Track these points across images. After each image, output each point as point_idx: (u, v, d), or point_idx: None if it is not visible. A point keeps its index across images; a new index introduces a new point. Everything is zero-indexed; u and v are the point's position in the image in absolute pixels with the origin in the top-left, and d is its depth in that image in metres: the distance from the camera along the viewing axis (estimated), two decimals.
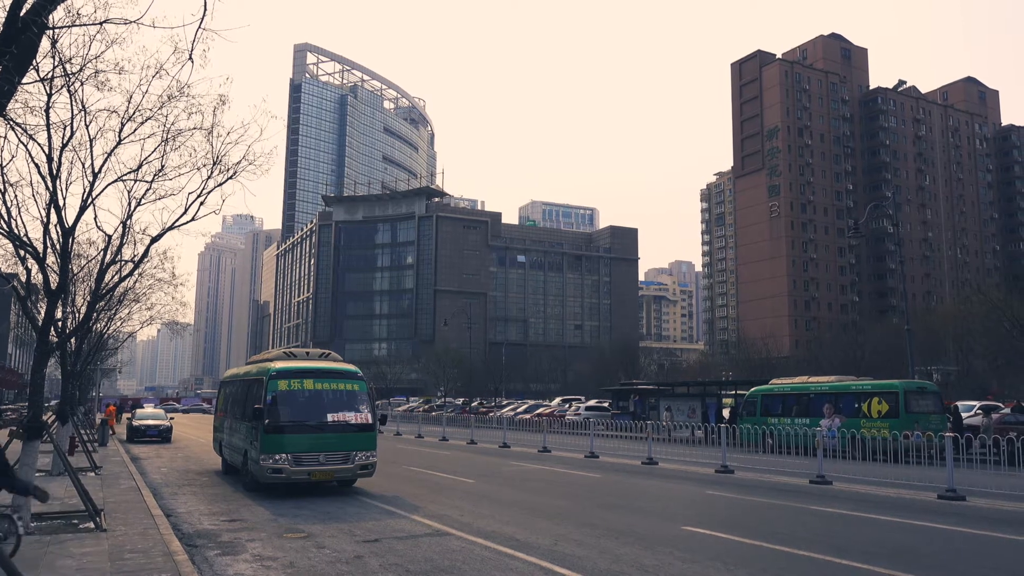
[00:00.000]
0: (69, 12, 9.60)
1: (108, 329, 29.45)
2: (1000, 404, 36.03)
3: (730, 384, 44.93)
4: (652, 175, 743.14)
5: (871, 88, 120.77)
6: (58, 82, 11.02)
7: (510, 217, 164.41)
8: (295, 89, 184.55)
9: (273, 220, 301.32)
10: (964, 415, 30.45)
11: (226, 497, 15.64)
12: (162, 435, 35.17)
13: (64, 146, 12.00)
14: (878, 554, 9.71)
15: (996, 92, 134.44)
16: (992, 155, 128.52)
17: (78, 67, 11.05)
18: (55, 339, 15.64)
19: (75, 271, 19.21)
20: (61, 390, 17.45)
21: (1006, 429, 24.56)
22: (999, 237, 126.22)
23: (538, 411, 48.54)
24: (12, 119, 11.25)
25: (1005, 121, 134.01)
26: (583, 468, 21.72)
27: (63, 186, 12.36)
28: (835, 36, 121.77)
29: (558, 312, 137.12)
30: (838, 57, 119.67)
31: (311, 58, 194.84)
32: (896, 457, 20.54)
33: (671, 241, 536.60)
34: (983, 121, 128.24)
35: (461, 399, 78.98)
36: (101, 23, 8.92)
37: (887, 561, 9.26)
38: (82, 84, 11.64)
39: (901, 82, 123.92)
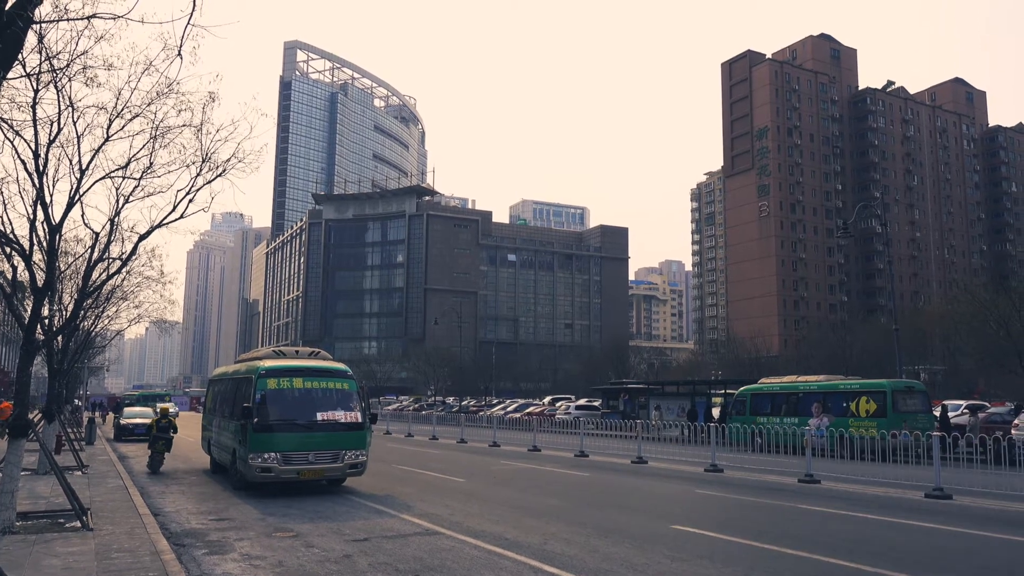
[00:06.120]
0: (56, 7, 9.52)
1: (95, 327, 29.24)
2: (987, 403, 36.33)
3: (719, 383, 45.10)
4: (643, 174, 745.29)
5: (860, 89, 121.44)
6: (45, 78, 10.94)
7: (501, 216, 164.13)
8: (285, 87, 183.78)
9: (263, 218, 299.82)
10: (951, 414, 30.69)
11: (214, 496, 15.57)
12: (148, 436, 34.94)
13: (51, 142, 11.91)
14: (866, 552, 9.76)
15: (983, 93, 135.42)
16: (979, 156, 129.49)
17: (65, 63, 10.97)
18: (41, 337, 15.54)
19: (62, 268, 19.09)
20: (48, 388, 17.32)
21: (992, 428, 24.76)
22: (986, 237, 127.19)
23: (528, 410, 48.55)
24: None
25: (992, 122, 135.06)
26: (573, 467, 21.74)
27: (50, 183, 12.28)
28: (825, 36, 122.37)
29: (548, 311, 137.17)
30: (827, 57, 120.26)
31: (301, 56, 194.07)
32: (884, 456, 20.66)
33: (661, 240, 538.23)
34: (971, 122, 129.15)
35: (452, 398, 78.99)
36: (88, 18, 8.86)
37: (875, 559, 9.31)
38: (70, 80, 11.56)
39: (890, 83, 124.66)
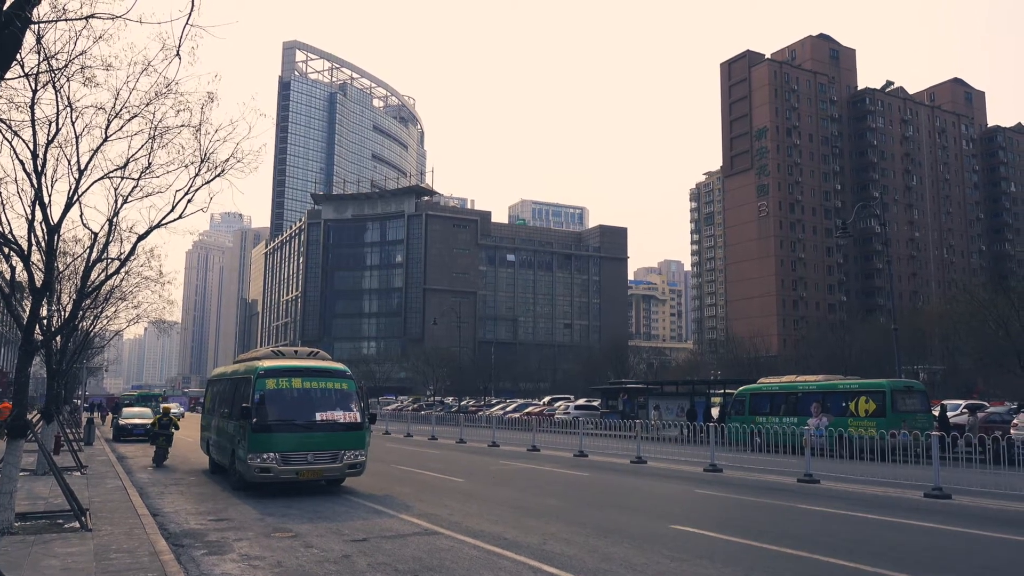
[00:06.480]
0: (55, 7, 9.51)
1: (94, 327, 29.23)
2: (985, 403, 36.35)
3: (719, 383, 45.08)
4: (642, 174, 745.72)
5: (859, 89, 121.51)
6: (43, 78, 10.92)
7: (500, 216, 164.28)
8: (284, 87, 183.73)
9: (261, 218, 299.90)
10: (950, 414, 30.70)
11: (213, 496, 15.55)
12: (149, 434, 34.90)
13: (49, 143, 11.90)
14: (865, 552, 9.76)
15: (982, 93, 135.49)
16: (978, 156, 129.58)
17: (64, 63, 10.96)
18: (40, 337, 15.53)
19: (60, 269, 19.09)
20: (46, 389, 17.33)
21: (991, 428, 24.77)
22: (985, 237, 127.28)
23: (527, 410, 48.54)
24: None
25: (991, 122, 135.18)
26: (572, 467, 21.73)
27: (48, 183, 12.26)
28: (824, 37, 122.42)
29: (548, 311, 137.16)
30: (826, 58, 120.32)
31: (300, 56, 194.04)
32: (883, 456, 20.66)
33: (660, 240, 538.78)
34: (969, 122, 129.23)
35: (451, 398, 78.94)
36: (87, 18, 8.85)
37: (874, 559, 9.31)
38: (68, 80, 11.55)
39: (889, 83, 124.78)
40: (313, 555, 9.68)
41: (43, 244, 12.52)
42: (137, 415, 37.23)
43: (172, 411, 27.00)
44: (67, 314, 17.99)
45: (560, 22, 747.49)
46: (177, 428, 24.24)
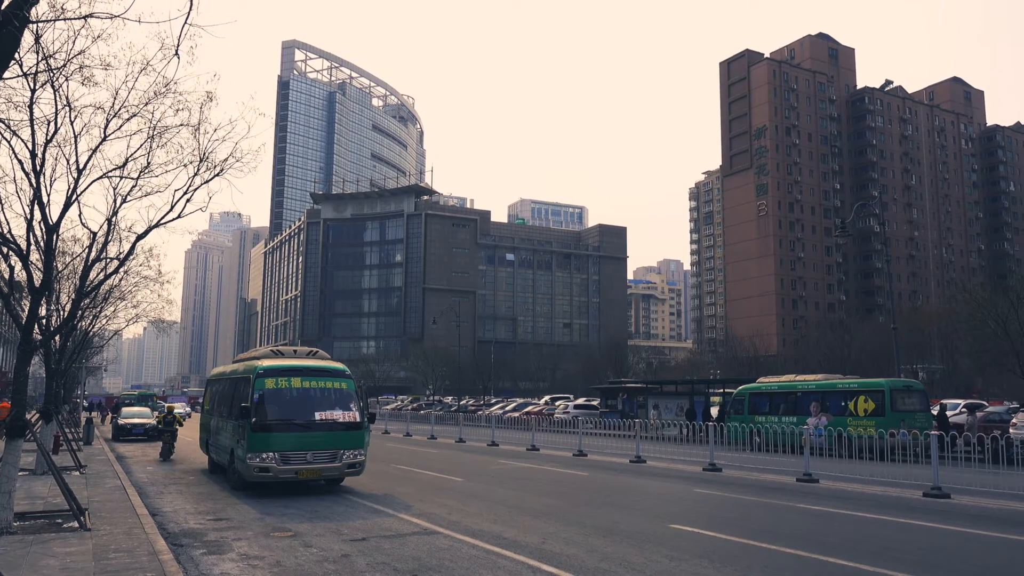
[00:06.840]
0: (53, 6, 9.51)
1: (93, 327, 29.24)
2: (985, 402, 36.37)
3: (718, 382, 45.07)
4: (641, 174, 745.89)
5: (858, 88, 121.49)
6: (42, 77, 10.92)
7: (499, 215, 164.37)
8: (283, 86, 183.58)
9: (261, 218, 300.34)
10: (949, 413, 30.71)
11: (212, 496, 15.55)
12: (148, 434, 34.95)
13: (48, 142, 11.90)
14: (864, 552, 9.76)
15: (981, 92, 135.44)
16: (977, 155, 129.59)
17: (62, 62, 10.95)
18: (39, 337, 15.52)
19: (59, 268, 19.08)
20: (45, 388, 17.34)
21: (990, 427, 24.78)
22: (984, 236, 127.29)
23: (527, 409, 48.50)
24: None
25: (990, 121, 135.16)
26: (571, 466, 21.73)
27: (47, 183, 12.26)
28: (823, 36, 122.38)
29: (547, 310, 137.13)
30: (826, 57, 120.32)
31: (299, 55, 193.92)
32: (882, 455, 20.67)
33: (660, 240, 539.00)
34: (968, 121, 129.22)
35: (450, 397, 78.91)
36: (85, 17, 8.85)
37: (873, 559, 9.31)
38: (67, 79, 11.54)
39: (888, 82, 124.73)
40: (312, 555, 9.68)
41: (42, 243, 12.51)
42: (136, 415, 37.22)
43: (176, 410, 27.48)
44: (66, 314, 17.99)
45: (560, 22, 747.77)
46: (181, 424, 25.86)
